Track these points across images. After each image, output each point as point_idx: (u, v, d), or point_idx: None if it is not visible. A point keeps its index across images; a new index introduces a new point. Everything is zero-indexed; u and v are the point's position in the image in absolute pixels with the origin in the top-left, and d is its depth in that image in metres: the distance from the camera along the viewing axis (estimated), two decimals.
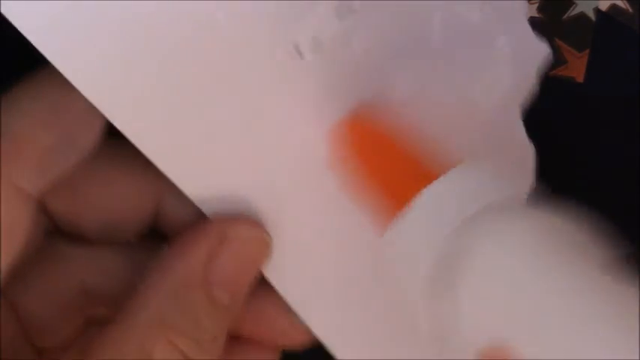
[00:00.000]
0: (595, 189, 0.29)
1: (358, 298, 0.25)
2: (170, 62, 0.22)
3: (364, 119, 0.23)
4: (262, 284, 0.24)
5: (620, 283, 0.18)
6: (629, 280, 0.18)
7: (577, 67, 0.29)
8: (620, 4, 0.29)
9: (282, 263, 0.24)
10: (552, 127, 0.29)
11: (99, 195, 0.24)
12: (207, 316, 0.22)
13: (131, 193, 0.24)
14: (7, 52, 0.24)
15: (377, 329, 0.25)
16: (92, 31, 0.21)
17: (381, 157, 0.22)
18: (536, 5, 0.30)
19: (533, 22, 0.29)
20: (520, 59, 0.24)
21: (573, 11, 0.29)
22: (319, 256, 0.25)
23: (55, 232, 0.24)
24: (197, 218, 0.23)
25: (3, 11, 0.20)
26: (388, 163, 0.22)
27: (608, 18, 0.29)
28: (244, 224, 0.23)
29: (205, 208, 0.23)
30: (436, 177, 0.20)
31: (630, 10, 0.29)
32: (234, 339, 0.24)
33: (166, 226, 0.25)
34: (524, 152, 0.26)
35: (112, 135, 0.22)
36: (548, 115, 0.28)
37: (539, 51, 0.24)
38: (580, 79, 0.29)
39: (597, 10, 0.29)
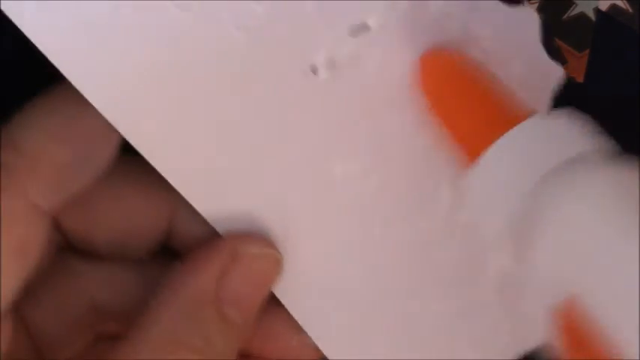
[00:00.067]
0: None
1: (369, 318, 0.25)
2: (186, 80, 0.22)
3: (447, 53, 0.23)
4: (272, 302, 0.24)
5: None
6: None
7: (577, 67, 0.29)
8: (620, 4, 0.29)
9: (292, 282, 0.24)
10: None
11: (112, 211, 0.24)
12: (218, 333, 0.22)
13: (144, 210, 0.24)
14: (22, 67, 0.24)
15: (389, 350, 0.26)
16: (109, 48, 0.21)
17: (464, 92, 0.22)
18: (536, 5, 0.30)
19: None
20: (534, 83, 0.24)
21: (573, 11, 0.29)
22: (330, 275, 0.25)
23: (66, 248, 0.24)
24: (209, 235, 0.23)
25: (22, 28, 0.20)
26: (473, 99, 0.22)
27: (608, 18, 0.29)
28: (256, 242, 0.23)
29: (217, 226, 0.23)
30: (521, 119, 0.20)
31: (630, 10, 0.29)
32: (244, 357, 0.24)
33: (178, 243, 0.25)
34: None
35: (125, 151, 0.22)
36: None
37: (553, 74, 0.24)
38: (580, 79, 0.30)
39: (597, 10, 0.29)
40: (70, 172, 0.22)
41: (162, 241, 0.25)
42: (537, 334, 0.23)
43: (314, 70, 0.23)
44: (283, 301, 0.24)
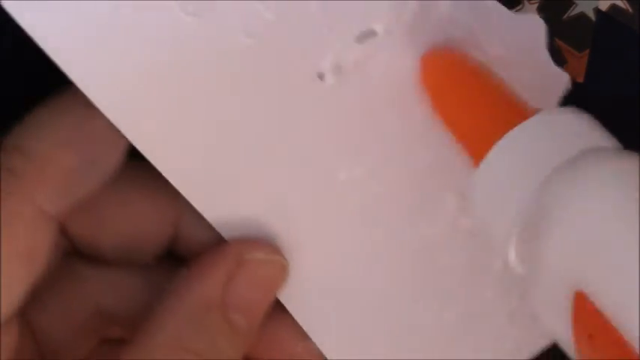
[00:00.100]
0: None
1: (374, 324, 0.25)
2: (193, 84, 0.22)
3: (449, 53, 0.23)
4: (277, 308, 0.24)
5: None
6: None
7: (577, 67, 0.30)
8: (620, 4, 0.29)
9: (297, 288, 0.24)
10: None
11: (118, 217, 0.24)
12: (224, 338, 0.22)
13: (150, 216, 0.24)
14: (30, 71, 0.24)
15: (394, 356, 0.26)
16: (117, 53, 0.21)
17: (467, 91, 0.22)
18: (536, 5, 0.30)
19: None
20: (540, 89, 0.24)
21: (573, 11, 0.29)
22: (335, 281, 0.25)
23: (72, 253, 0.24)
24: (214, 241, 0.23)
25: (31, 33, 0.20)
26: (476, 98, 0.22)
27: (608, 18, 0.29)
28: (262, 248, 0.23)
29: (223, 231, 0.23)
30: (524, 117, 0.20)
31: (630, 10, 0.29)
32: None
33: (183, 249, 0.25)
34: None
35: (131, 156, 0.22)
36: None
37: (560, 82, 0.24)
38: (580, 79, 0.30)
39: (597, 10, 0.29)
40: (78, 177, 0.22)
41: (168, 247, 0.25)
42: (544, 335, 0.24)
43: (320, 76, 0.23)
44: (288, 307, 0.24)
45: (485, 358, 0.26)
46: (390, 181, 0.24)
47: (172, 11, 0.21)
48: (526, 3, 0.30)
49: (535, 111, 0.21)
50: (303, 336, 0.25)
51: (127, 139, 0.21)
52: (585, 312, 0.18)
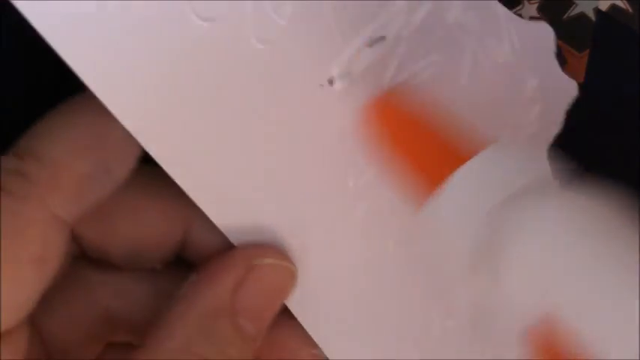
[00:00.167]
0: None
1: (382, 333, 0.25)
2: (206, 91, 0.22)
3: (394, 100, 0.23)
4: (284, 314, 0.24)
5: None
6: None
7: (577, 67, 0.30)
8: (620, 4, 0.29)
9: (305, 294, 0.24)
10: None
11: (128, 222, 0.24)
12: (232, 345, 0.22)
13: (160, 221, 0.24)
14: (45, 76, 0.24)
15: None
16: (131, 58, 0.21)
17: (412, 137, 0.22)
18: (536, 5, 0.30)
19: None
20: (549, 100, 0.24)
21: (573, 11, 0.30)
22: (343, 288, 0.25)
23: (81, 257, 0.24)
24: (223, 247, 0.23)
25: (47, 38, 0.20)
26: (420, 143, 0.22)
27: (608, 18, 0.29)
28: (271, 253, 0.23)
29: (232, 237, 0.23)
30: (469, 157, 0.20)
31: (630, 10, 0.29)
32: None
33: (192, 254, 0.25)
34: None
35: (141, 161, 0.23)
36: None
37: (567, 91, 0.25)
38: (580, 79, 0.30)
39: (597, 10, 0.29)
40: (91, 183, 0.22)
41: (177, 252, 0.25)
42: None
43: (330, 81, 0.23)
44: (295, 313, 0.24)
45: None
46: (399, 188, 0.24)
47: (186, 16, 0.21)
48: (526, 3, 0.30)
49: (488, 144, 0.21)
50: (310, 342, 0.24)
51: (140, 145, 0.21)
52: (541, 339, 0.18)
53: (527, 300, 0.19)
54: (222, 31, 0.21)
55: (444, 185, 0.20)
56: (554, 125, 0.25)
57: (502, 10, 0.24)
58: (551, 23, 0.29)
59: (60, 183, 0.21)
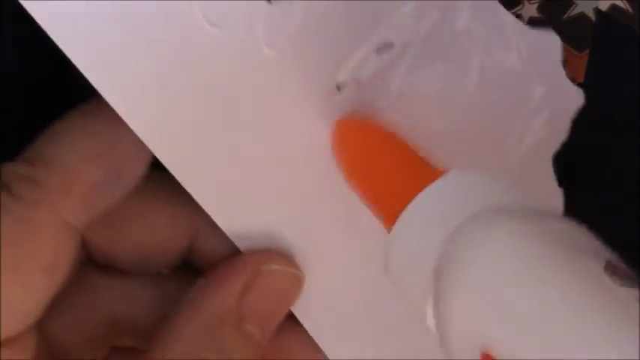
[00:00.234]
0: (594, 189, 0.29)
1: (387, 341, 0.26)
2: (216, 97, 0.22)
3: (361, 120, 0.23)
4: (289, 320, 0.24)
5: (616, 288, 0.18)
6: (627, 284, 0.18)
7: (577, 67, 0.30)
8: (620, 4, 0.29)
9: (311, 301, 0.24)
10: None
11: (135, 227, 0.24)
12: (238, 350, 0.23)
13: (167, 227, 0.24)
14: (45, 76, 0.24)
15: None
16: (142, 66, 0.21)
17: (378, 157, 0.22)
18: (536, 5, 0.30)
19: (533, 22, 0.30)
20: (555, 109, 0.24)
21: (573, 11, 0.30)
22: (349, 295, 0.25)
23: (87, 262, 0.24)
24: (230, 252, 0.24)
25: (60, 45, 0.20)
26: (385, 163, 0.22)
27: (608, 18, 0.29)
28: (278, 259, 0.23)
29: (239, 243, 0.23)
30: (434, 179, 0.21)
31: (630, 10, 0.29)
32: None
33: (199, 260, 0.25)
34: (552, 198, 0.26)
35: (149, 166, 0.23)
36: None
37: (573, 100, 0.25)
38: (580, 79, 0.30)
39: (597, 10, 0.29)
40: (102, 189, 0.22)
41: (183, 257, 0.25)
42: None
43: (339, 87, 0.23)
44: (301, 319, 0.24)
45: None
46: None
47: (197, 22, 0.21)
48: (526, 3, 0.30)
49: (444, 172, 0.21)
50: (315, 348, 0.25)
51: (150, 151, 0.22)
52: None
53: (472, 331, 0.19)
54: (232, 38, 0.21)
55: (405, 210, 0.20)
56: (561, 133, 0.25)
57: (510, 18, 0.24)
58: (551, 23, 0.29)
59: (71, 189, 0.21)
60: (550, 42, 0.24)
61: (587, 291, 0.18)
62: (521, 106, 0.25)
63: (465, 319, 0.19)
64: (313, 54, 0.22)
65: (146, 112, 0.21)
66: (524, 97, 0.24)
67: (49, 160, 0.21)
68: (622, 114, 0.30)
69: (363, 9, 0.23)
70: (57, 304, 0.22)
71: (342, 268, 0.24)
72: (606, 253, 0.19)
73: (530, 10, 0.30)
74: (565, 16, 0.30)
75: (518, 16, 0.30)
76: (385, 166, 0.22)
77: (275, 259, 0.23)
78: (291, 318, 0.24)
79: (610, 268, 0.18)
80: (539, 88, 0.24)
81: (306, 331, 0.25)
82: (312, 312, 0.24)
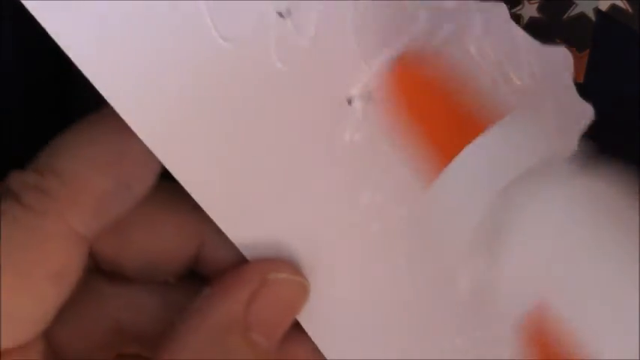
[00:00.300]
0: None
1: (392, 350, 0.26)
2: (226, 109, 0.22)
3: (412, 66, 0.23)
4: (294, 328, 0.24)
5: None
6: None
7: (577, 67, 0.30)
8: (620, 4, 0.29)
9: (316, 309, 0.24)
10: None
11: (142, 236, 0.24)
12: (245, 359, 0.23)
13: (174, 236, 0.24)
14: (56, 82, 0.24)
15: None
16: (153, 77, 0.21)
17: (427, 105, 0.22)
18: (536, 5, 0.30)
19: (533, 22, 0.30)
20: (565, 123, 0.24)
21: (573, 11, 0.30)
22: (354, 304, 0.25)
23: (93, 270, 0.24)
24: (236, 261, 0.24)
25: (70, 55, 0.20)
26: (435, 112, 0.22)
27: (608, 18, 0.29)
28: (284, 268, 0.24)
29: (246, 252, 0.24)
30: (483, 130, 0.20)
31: (630, 10, 0.29)
32: None
33: (205, 268, 0.25)
34: None
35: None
36: None
37: (583, 115, 0.25)
38: (580, 79, 0.30)
39: (597, 10, 0.29)
40: (111, 199, 0.22)
41: (190, 266, 0.25)
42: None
43: (350, 101, 0.23)
44: (306, 327, 0.25)
45: None
46: (412, 208, 0.24)
47: (209, 35, 0.21)
48: (526, 3, 0.30)
49: (499, 120, 0.21)
50: (320, 357, 0.25)
51: (159, 162, 0.22)
52: (543, 326, 0.18)
53: (525, 285, 0.19)
54: (244, 51, 0.22)
55: (454, 161, 0.20)
56: (568, 150, 0.25)
57: (521, 33, 0.24)
58: (551, 23, 0.30)
59: (80, 199, 0.22)
60: (561, 57, 0.25)
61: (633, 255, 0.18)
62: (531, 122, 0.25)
63: (519, 273, 0.19)
64: (325, 68, 0.23)
65: (155, 121, 0.21)
66: (534, 111, 0.24)
67: (58, 170, 0.21)
68: (622, 114, 0.30)
69: (375, 23, 0.23)
70: (63, 312, 0.23)
71: (348, 277, 0.25)
72: None
73: (530, 10, 0.30)
74: (565, 16, 0.30)
75: (518, 16, 0.30)
76: (439, 111, 0.22)
77: (281, 268, 0.24)
78: (296, 326, 0.25)
79: None
80: (549, 103, 0.24)
81: (311, 340, 0.25)
82: (318, 320, 0.25)
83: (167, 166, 0.22)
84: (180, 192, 0.22)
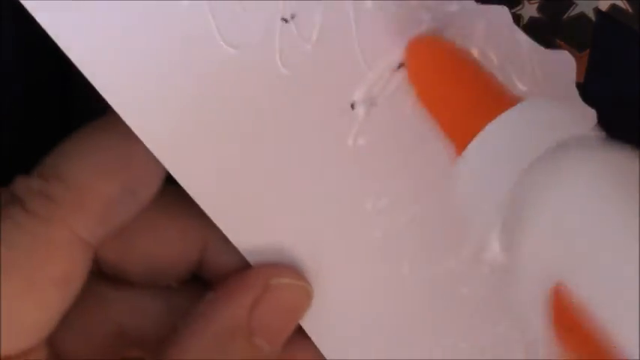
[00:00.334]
0: None
1: (393, 353, 0.26)
2: (230, 114, 0.22)
3: (435, 40, 0.23)
4: (297, 333, 0.25)
5: None
6: None
7: (577, 67, 0.30)
8: (620, 4, 0.30)
9: (319, 314, 0.25)
10: None
11: (146, 241, 0.24)
12: None
13: (177, 241, 0.24)
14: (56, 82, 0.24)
15: None
16: (158, 83, 0.21)
17: (453, 79, 0.22)
18: (536, 5, 0.30)
19: (533, 22, 0.30)
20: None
21: (573, 11, 0.30)
22: (357, 309, 0.25)
23: (97, 274, 0.24)
24: (239, 266, 0.24)
25: (75, 62, 0.20)
26: (460, 87, 0.22)
27: (608, 18, 0.30)
28: (287, 273, 0.24)
29: (250, 257, 0.24)
30: (508, 106, 0.20)
31: (630, 10, 0.29)
32: None
33: (208, 273, 0.25)
34: None
35: None
36: None
37: (587, 117, 0.25)
38: (580, 79, 0.30)
39: (597, 10, 0.30)
40: (116, 205, 0.22)
41: (193, 270, 0.25)
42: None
43: (353, 106, 0.23)
44: (309, 332, 0.25)
45: None
46: (416, 213, 0.24)
47: (214, 42, 0.21)
48: (526, 3, 0.30)
49: (520, 99, 0.21)
50: None
51: (164, 168, 0.22)
52: (565, 304, 0.18)
53: (546, 263, 0.19)
54: (249, 57, 0.22)
55: (474, 140, 0.20)
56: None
57: (524, 37, 0.24)
58: (551, 23, 0.30)
59: (85, 205, 0.22)
60: (564, 61, 0.25)
61: None
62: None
63: (540, 251, 0.19)
64: (328, 72, 0.23)
65: (159, 127, 0.21)
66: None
67: (63, 176, 0.22)
68: (622, 114, 0.30)
69: (377, 28, 0.23)
70: (66, 316, 0.23)
71: (351, 282, 0.25)
72: None
73: (530, 10, 0.30)
74: (565, 16, 0.30)
75: (518, 17, 0.30)
76: (459, 90, 0.22)
77: (284, 273, 0.24)
78: (299, 331, 0.25)
79: None
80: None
81: (314, 345, 0.25)
82: (321, 325, 0.25)
83: (170, 171, 0.22)
84: (184, 196, 0.22)
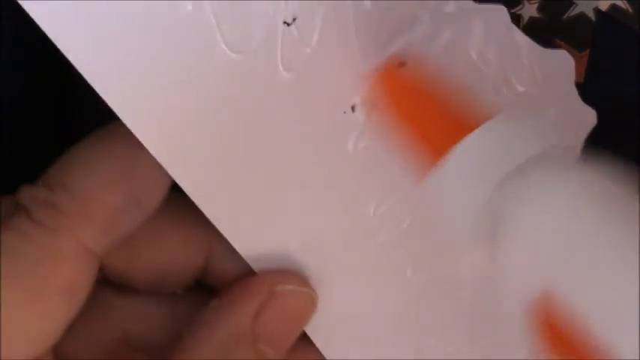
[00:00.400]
0: None
1: (398, 358, 0.26)
2: (233, 120, 0.22)
3: (400, 68, 0.23)
4: (302, 340, 0.25)
5: None
6: None
7: (577, 67, 0.30)
8: (620, 4, 0.30)
9: (323, 320, 0.25)
10: None
11: (150, 248, 0.24)
12: None
13: (182, 248, 0.25)
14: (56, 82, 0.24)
15: None
16: (162, 90, 0.21)
17: (417, 105, 0.22)
18: (536, 5, 0.30)
19: (533, 22, 0.30)
20: (568, 130, 0.25)
21: (573, 11, 0.30)
22: (362, 315, 0.25)
23: (102, 281, 0.24)
24: (243, 273, 0.24)
25: (79, 68, 0.20)
26: (424, 112, 0.22)
27: (608, 18, 0.30)
28: (292, 279, 0.24)
29: (254, 264, 0.24)
30: (474, 128, 0.21)
31: (630, 10, 0.30)
32: None
33: (213, 280, 0.25)
34: None
35: None
36: None
37: (586, 121, 0.25)
38: (580, 79, 0.30)
39: (597, 10, 0.30)
40: (122, 215, 0.22)
41: (198, 277, 0.25)
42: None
43: (353, 109, 0.23)
44: (314, 339, 0.25)
45: None
46: (419, 217, 0.25)
47: (217, 47, 0.21)
48: (526, 3, 0.30)
49: (492, 115, 0.21)
50: None
51: (170, 177, 0.22)
52: (541, 314, 0.18)
53: (528, 274, 0.19)
54: (251, 61, 0.22)
55: (447, 156, 0.20)
56: (572, 157, 0.25)
57: (522, 38, 0.24)
58: (551, 23, 0.30)
59: (90, 215, 0.22)
60: (563, 61, 0.25)
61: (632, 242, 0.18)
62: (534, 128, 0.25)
63: (522, 262, 0.19)
64: (328, 75, 0.23)
65: (163, 135, 0.21)
66: (537, 117, 0.24)
67: (68, 185, 0.22)
68: (622, 114, 0.30)
69: (377, 30, 0.23)
70: (72, 324, 0.23)
71: (356, 288, 0.25)
72: None
73: (530, 10, 0.30)
74: (565, 16, 0.30)
75: (518, 17, 0.30)
76: (432, 109, 0.22)
77: (289, 280, 0.24)
78: (304, 337, 0.25)
79: None
80: (552, 109, 0.24)
81: (319, 351, 0.25)
82: (325, 331, 0.25)
83: (175, 178, 0.22)
84: (188, 204, 0.22)
